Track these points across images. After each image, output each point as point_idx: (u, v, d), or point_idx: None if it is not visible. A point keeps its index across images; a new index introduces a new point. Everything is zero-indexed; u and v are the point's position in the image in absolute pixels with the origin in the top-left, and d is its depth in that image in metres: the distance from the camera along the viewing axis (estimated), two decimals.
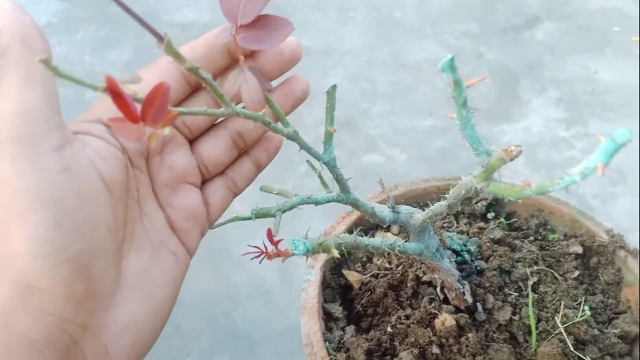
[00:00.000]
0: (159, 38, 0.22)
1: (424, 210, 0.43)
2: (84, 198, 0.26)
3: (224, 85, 0.29)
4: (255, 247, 0.27)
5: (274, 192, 0.46)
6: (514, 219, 0.61)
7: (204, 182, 0.35)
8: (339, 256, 0.32)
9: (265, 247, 0.27)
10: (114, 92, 0.20)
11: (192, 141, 0.34)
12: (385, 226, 0.60)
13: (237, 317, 0.81)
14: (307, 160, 0.45)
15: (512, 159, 0.28)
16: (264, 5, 0.29)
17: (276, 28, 0.30)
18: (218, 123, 0.35)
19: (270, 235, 0.27)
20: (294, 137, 0.33)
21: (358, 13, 1.45)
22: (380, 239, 0.39)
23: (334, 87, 0.34)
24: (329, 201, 0.38)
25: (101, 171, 0.28)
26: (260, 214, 0.34)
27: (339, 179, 0.38)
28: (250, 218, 0.35)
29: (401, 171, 1.01)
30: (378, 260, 0.57)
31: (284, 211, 0.34)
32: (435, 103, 1.17)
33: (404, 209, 0.45)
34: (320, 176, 0.43)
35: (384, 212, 0.44)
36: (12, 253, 0.25)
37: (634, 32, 1.36)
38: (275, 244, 0.27)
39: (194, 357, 0.76)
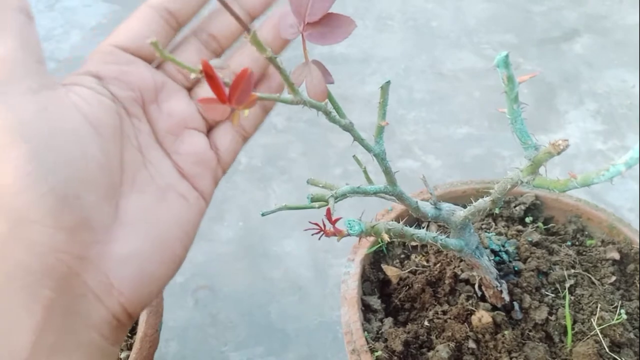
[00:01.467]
0: (247, 29, 0.24)
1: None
2: (65, 133, 0.28)
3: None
4: (315, 224, 0.29)
5: (320, 185, 0.49)
6: (551, 224, 0.62)
7: (211, 129, 0.36)
8: (388, 239, 0.34)
9: (324, 225, 0.30)
10: (209, 75, 0.23)
11: (190, 88, 0.35)
12: (424, 225, 0.61)
13: (272, 311, 0.83)
14: (354, 155, 0.47)
15: (559, 153, 0.29)
16: (331, 5, 0.31)
17: (340, 25, 0.32)
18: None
19: (329, 214, 0.29)
20: (349, 129, 0.35)
21: (395, 22, 1.47)
22: (425, 231, 0.41)
23: (388, 82, 0.36)
24: (376, 192, 0.41)
25: (85, 113, 0.29)
26: (315, 199, 0.37)
27: (387, 171, 0.40)
28: (306, 207, 0.37)
29: (436, 177, 1.03)
30: (416, 257, 0.59)
31: (336, 198, 0.36)
32: (472, 112, 1.18)
33: (446, 206, 0.47)
34: (365, 171, 0.46)
35: (427, 207, 0.46)
36: (1, 188, 0.26)
37: None
38: (333, 222, 0.29)
39: (231, 347, 0.78)
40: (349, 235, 0.32)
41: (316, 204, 0.42)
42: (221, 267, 0.89)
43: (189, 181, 0.34)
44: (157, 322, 0.52)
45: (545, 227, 0.62)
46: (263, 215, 0.43)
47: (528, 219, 0.63)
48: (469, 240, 0.48)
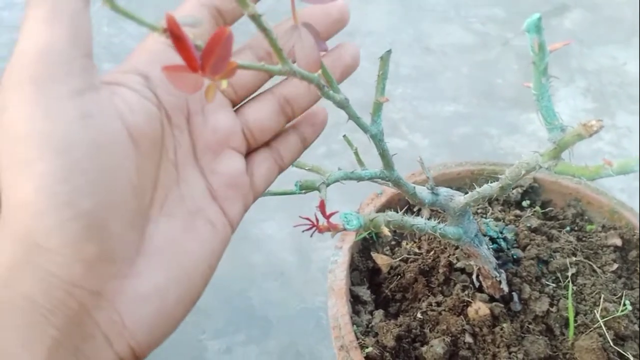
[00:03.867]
0: None
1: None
2: (102, 148, 0.24)
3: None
4: (307, 219, 0.25)
5: (306, 169, 0.44)
6: (549, 208, 0.59)
7: (250, 152, 0.32)
8: (389, 234, 0.30)
9: (317, 220, 0.25)
10: (175, 35, 0.18)
11: (236, 105, 0.32)
12: (415, 210, 0.58)
13: (252, 297, 0.79)
14: (344, 135, 0.43)
15: (591, 135, 0.25)
16: None
17: None
18: (266, 89, 0.33)
19: (323, 207, 0.25)
20: (344, 105, 0.31)
21: None
22: (424, 220, 0.37)
23: (389, 52, 0.32)
24: (372, 177, 0.36)
25: (128, 123, 0.25)
26: (304, 186, 0.32)
27: (384, 154, 0.36)
28: (292, 192, 0.33)
29: (423, 157, 0.97)
30: (407, 244, 0.55)
31: (328, 184, 0.32)
32: (459, 89, 1.14)
33: (444, 191, 0.43)
34: (356, 153, 0.41)
35: (423, 193, 0.42)
36: (17, 205, 0.23)
37: None
38: (328, 217, 0.25)
39: (209, 335, 0.74)
40: (344, 230, 0.27)
41: (315, 185, 0.37)
42: None
43: (220, 205, 0.30)
44: None
45: (543, 211, 0.59)
46: None
47: (525, 203, 0.59)
48: (467, 228, 0.44)
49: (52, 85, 0.23)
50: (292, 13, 0.28)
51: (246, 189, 0.31)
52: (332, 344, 0.79)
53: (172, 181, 0.28)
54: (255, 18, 0.21)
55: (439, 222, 0.40)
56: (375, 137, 0.34)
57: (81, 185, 0.23)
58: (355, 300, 0.50)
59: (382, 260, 0.53)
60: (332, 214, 0.25)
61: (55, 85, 0.23)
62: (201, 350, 0.73)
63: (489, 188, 0.37)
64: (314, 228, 0.25)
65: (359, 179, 0.36)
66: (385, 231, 0.30)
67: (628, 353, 0.46)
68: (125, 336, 0.25)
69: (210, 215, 0.29)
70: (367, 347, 0.45)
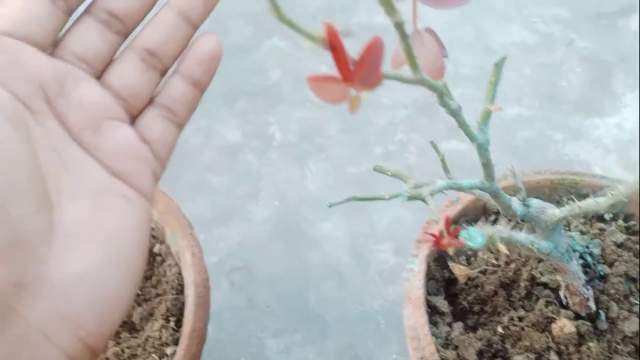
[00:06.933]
0: None
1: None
2: None
3: None
4: (432, 235, 0.24)
5: (389, 174, 0.43)
6: (632, 222, 0.56)
7: (135, 118, 0.29)
8: (507, 252, 0.28)
9: (440, 235, 0.24)
10: (334, 46, 0.17)
11: (97, 76, 0.29)
12: (491, 219, 0.56)
13: (310, 296, 0.79)
14: (431, 142, 0.41)
15: None
16: None
17: None
18: (126, 46, 0.29)
19: (448, 224, 0.24)
20: (457, 113, 0.29)
21: None
22: (525, 235, 0.36)
23: (503, 58, 0.30)
24: (472, 188, 0.35)
25: None
26: (412, 197, 0.31)
27: (487, 165, 0.34)
28: (374, 198, 0.32)
29: None
30: (484, 255, 0.53)
31: (432, 195, 0.31)
32: (523, 91, 1.10)
33: (535, 202, 0.41)
34: (442, 160, 0.40)
35: (514, 204, 0.40)
36: None
37: None
38: (453, 234, 0.24)
39: (268, 333, 0.74)
40: (467, 246, 0.26)
41: (386, 195, 0.36)
42: (257, 248, 0.84)
43: (123, 180, 0.28)
44: (205, 314, 0.48)
45: (626, 225, 0.56)
46: (330, 206, 0.39)
47: (607, 216, 0.56)
48: (558, 242, 0.42)
49: None
50: (412, 17, 0.27)
51: (148, 155, 0.29)
52: (391, 350, 0.77)
53: (59, 167, 0.26)
54: (400, 26, 0.20)
55: (536, 237, 0.38)
56: (482, 147, 0.33)
57: None
58: (432, 311, 0.49)
59: (459, 270, 0.51)
60: (456, 230, 0.24)
61: None
62: (261, 347, 0.73)
63: (595, 203, 0.35)
64: (437, 243, 0.24)
65: (460, 189, 0.34)
66: (502, 248, 0.29)
67: None
68: (70, 328, 0.23)
69: (120, 190, 0.28)
70: None
